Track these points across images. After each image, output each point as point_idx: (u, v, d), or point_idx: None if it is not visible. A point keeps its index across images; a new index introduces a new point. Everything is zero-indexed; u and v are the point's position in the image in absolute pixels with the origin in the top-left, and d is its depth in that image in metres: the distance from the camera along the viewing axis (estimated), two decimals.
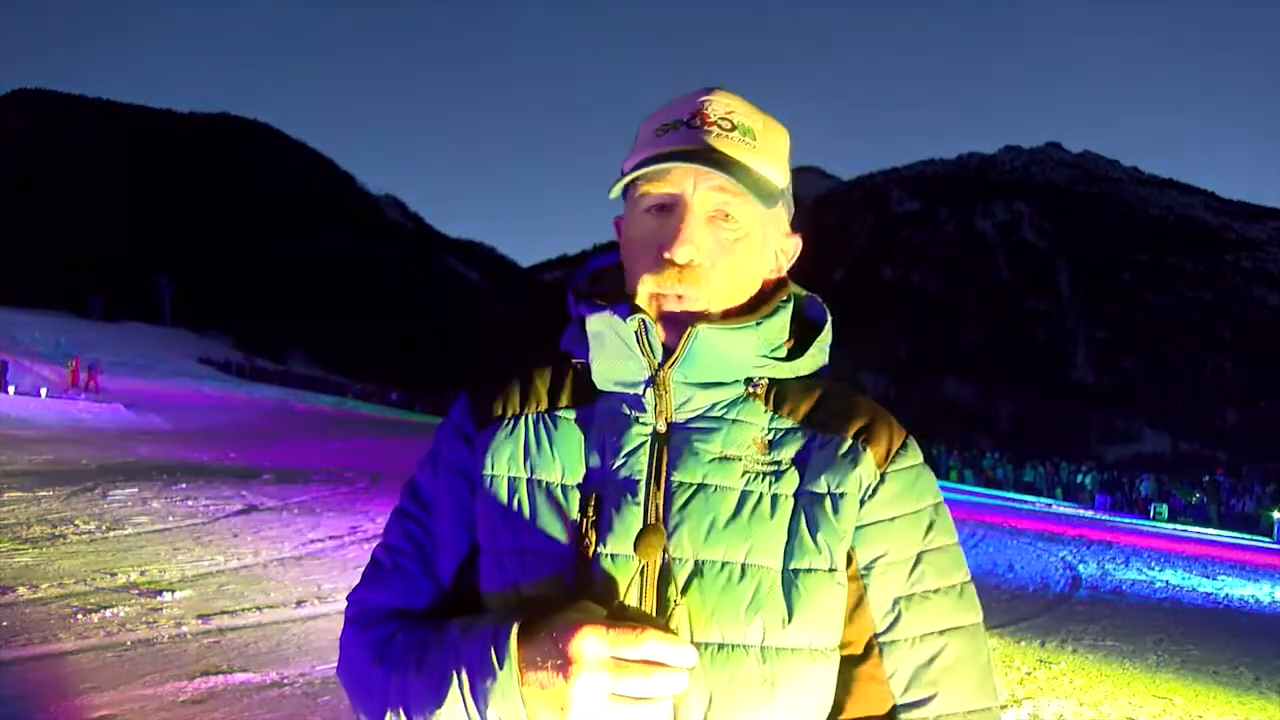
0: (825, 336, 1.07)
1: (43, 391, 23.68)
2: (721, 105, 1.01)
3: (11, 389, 22.65)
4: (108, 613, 5.23)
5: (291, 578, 6.55)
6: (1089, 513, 29.92)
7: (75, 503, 9.08)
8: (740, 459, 0.98)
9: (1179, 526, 27.99)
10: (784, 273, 1.10)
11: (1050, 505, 31.43)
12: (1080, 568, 12.44)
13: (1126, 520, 27.70)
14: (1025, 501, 31.21)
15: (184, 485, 10.94)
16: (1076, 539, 17.20)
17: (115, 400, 24.66)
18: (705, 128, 0.99)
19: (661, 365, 0.98)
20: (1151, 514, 31.47)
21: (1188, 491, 37.42)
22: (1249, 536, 26.59)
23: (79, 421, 20.38)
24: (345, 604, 1.09)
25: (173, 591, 5.80)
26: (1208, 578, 13.21)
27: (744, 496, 0.95)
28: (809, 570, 0.94)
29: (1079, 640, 7.41)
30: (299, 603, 5.85)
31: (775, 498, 0.96)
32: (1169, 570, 13.59)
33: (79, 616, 5.13)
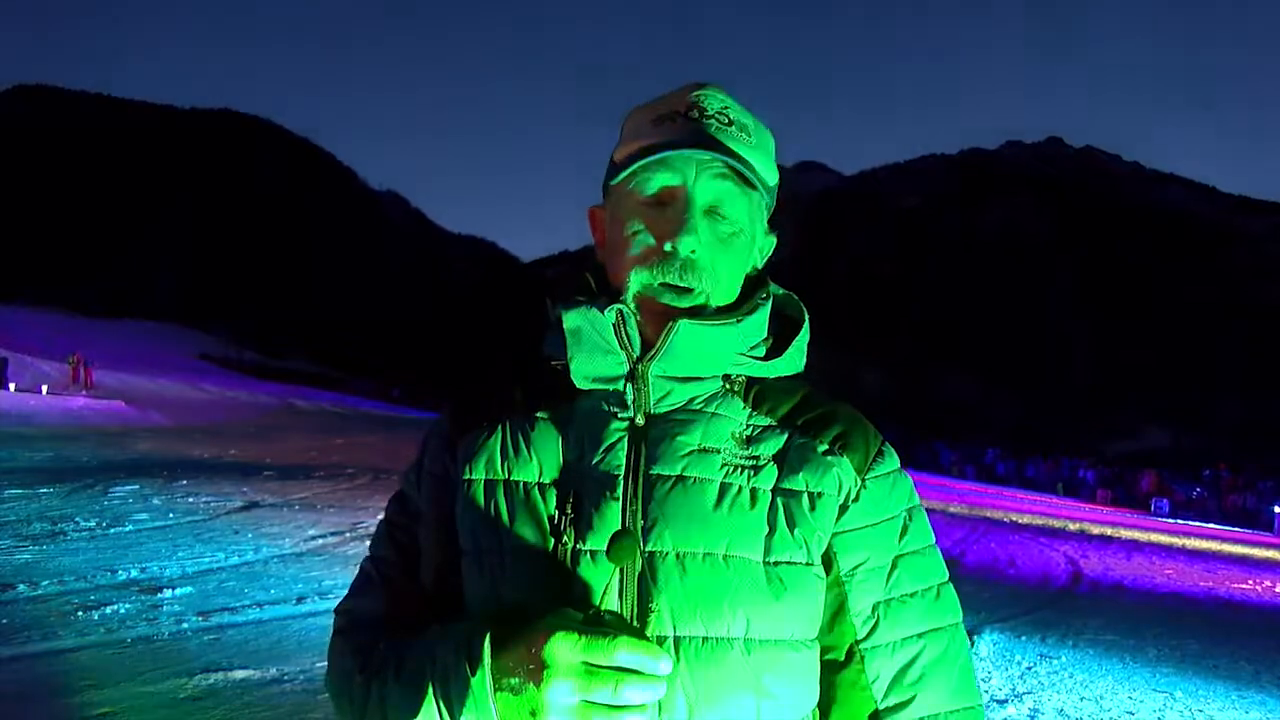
0: (803, 337, 1.06)
1: (44, 388, 23.65)
2: (717, 100, 1.00)
3: (12, 385, 22.61)
4: (108, 610, 5.23)
5: (292, 574, 6.55)
6: (1090, 508, 29.95)
7: (76, 499, 9.08)
8: (719, 452, 0.97)
9: (1180, 521, 28.01)
10: (760, 269, 1.10)
11: (1051, 501, 31.45)
12: (1081, 563, 12.45)
13: (1127, 515, 27.72)
14: (1027, 497, 31.25)
15: (185, 482, 10.94)
16: (1078, 534, 17.22)
17: (115, 397, 24.64)
18: (705, 120, 0.98)
19: (640, 359, 0.97)
20: (1152, 509, 31.53)
21: (1189, 486, 37.45)
22: (1250, 531, 26.64)
23: (79, 418, 20.38)
24: (333, 616, 1.08)
25: (173, 588, 5.80)
26: (1208, 573, 13.20)
27: (723, 489, 0.95)
28: (789, 563, 0.94)
29: (1080, 635, 7.41)
30: (299, 599, 5.85)
31: (754, 491, 0.95)
32: (1170, 565, 13.59)
33: (79, 614, 5.13)
